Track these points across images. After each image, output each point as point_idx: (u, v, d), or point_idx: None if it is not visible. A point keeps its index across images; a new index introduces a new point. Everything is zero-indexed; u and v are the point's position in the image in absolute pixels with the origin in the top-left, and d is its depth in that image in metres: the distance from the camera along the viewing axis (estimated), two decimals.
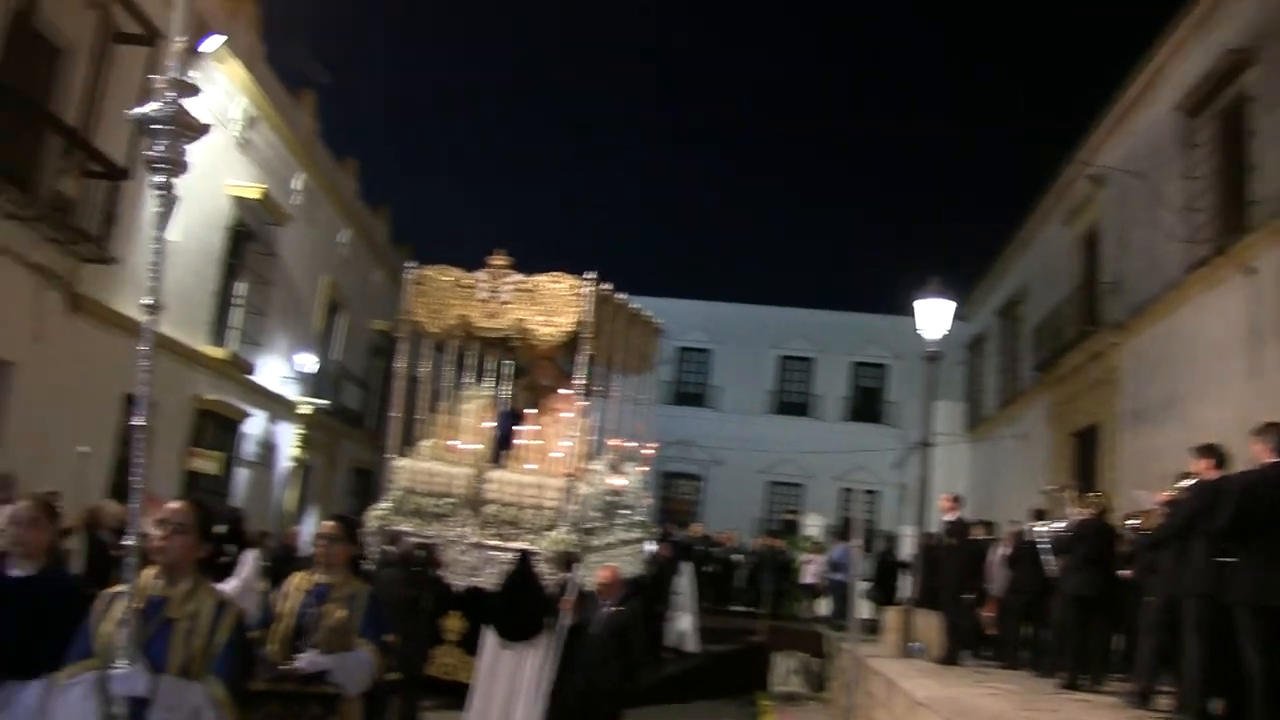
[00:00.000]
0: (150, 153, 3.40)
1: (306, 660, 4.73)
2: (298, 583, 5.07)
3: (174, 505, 3.83)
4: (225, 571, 10.00)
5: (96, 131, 12.98)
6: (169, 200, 3.51)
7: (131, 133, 13.74)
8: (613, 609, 7.93)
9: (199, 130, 3.45)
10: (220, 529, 11.11)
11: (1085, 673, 9.33)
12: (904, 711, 8.51)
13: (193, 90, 3.43)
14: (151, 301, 3.56)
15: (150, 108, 3.39)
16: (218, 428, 18.07)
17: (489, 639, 10.19)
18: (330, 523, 5.22)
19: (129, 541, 3.50)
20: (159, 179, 3.45)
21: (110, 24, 13.07)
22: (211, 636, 3.62)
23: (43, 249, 12.43)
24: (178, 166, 3.44)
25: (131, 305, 14.44)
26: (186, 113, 3.39)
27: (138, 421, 3.56)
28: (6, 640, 4.27)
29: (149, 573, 3.71)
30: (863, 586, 17.31)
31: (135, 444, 3.62)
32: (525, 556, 10.49)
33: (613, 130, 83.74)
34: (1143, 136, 16.69)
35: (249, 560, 10.19)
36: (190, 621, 3.62)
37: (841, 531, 22.76)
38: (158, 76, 3.44)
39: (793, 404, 35.80)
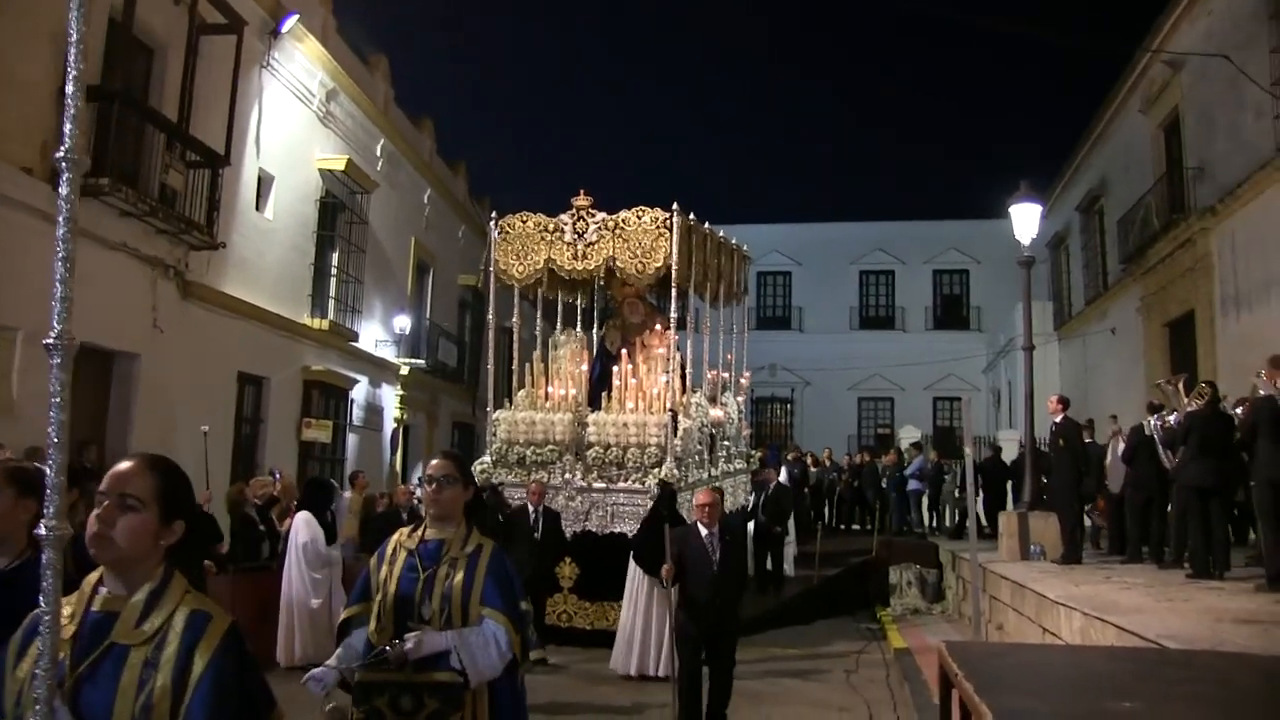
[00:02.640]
0: None
1: (416, 640, 3.58)
2: (400, 540, 3.90)
3: (120, 467, 2.37)
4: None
5: (194, 122, 13.46)
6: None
7: (227, 120, 14.19)
8: (721, 537, 7.76)
9: None
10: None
11: (1211, 561, 9.44)
12: (1037, 612, 8.71)
13: None
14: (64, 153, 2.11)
15: None
16: (326, 396, 18.60)
17: (631, 573, 10.42)
18: (439, 460, 3.94)
19: (44, 531, 2.07)
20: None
21: (197, 18, 13.49)
22: (182, 668, 2.22)
23: (155, 241, 12.96)
24: None
25: (238, 286, 14.99)
26: None
27: (48, 341, 2.09)
28: None
29: (93, 577, 2.35)
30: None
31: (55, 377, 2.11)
32: (665, 487, 10.62)
33: (673, 57, 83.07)
34: (1221, 13, 16.31)
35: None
36: (150, 649, 2.23)
37: (919, 444, 22.89)
38: None
39: (877, 318, 35.86)
